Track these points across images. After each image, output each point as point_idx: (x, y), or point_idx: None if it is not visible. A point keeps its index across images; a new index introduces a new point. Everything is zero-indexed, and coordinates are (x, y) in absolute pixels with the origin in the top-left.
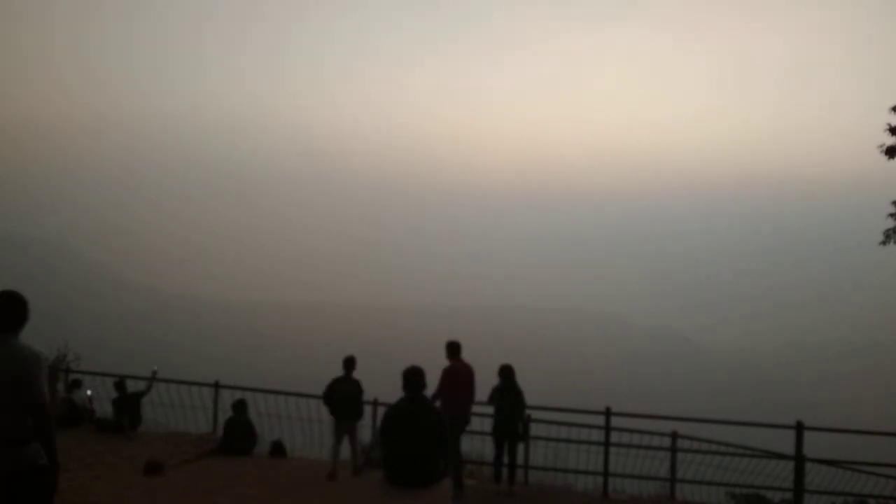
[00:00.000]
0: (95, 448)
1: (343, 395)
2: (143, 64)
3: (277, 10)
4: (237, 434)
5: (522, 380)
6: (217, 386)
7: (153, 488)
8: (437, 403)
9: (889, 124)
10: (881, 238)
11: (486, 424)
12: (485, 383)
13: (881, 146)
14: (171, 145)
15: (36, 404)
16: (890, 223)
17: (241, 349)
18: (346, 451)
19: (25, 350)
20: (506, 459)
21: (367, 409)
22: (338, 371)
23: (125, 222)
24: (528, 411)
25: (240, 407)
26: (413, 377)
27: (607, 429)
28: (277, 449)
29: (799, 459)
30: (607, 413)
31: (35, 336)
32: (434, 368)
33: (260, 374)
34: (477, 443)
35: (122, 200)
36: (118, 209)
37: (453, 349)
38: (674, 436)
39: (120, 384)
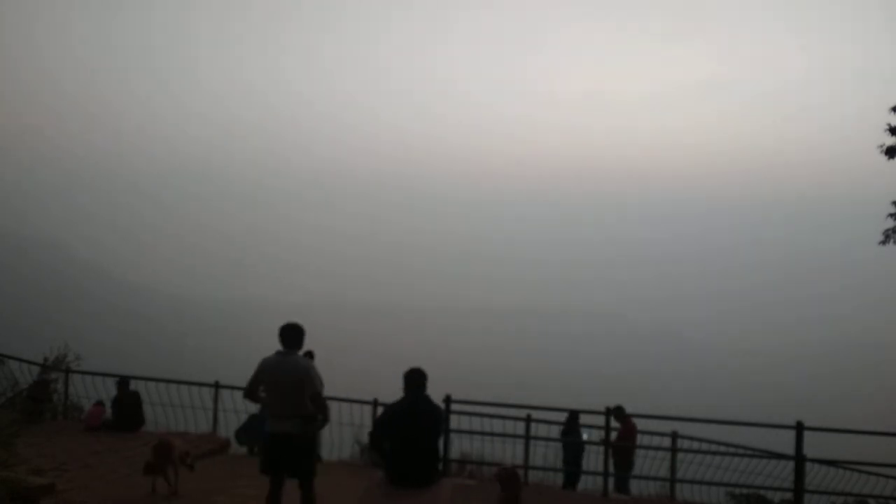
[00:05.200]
0: (95, 448)
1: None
2: (144, 63)
3: (279, 7)
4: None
5: (522, 380)
6: (217, 386)
7: (153, 488)
8: None
9: (889, 124)
10: (881, 238)
11: (486, 425)
12: (484, 387)
13: (881, 146)
14: (170, 145)
15: (316, 392)
16: (890, 223)
17: (241, 349)
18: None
19: (303, 360)
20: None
21: (367, 409)
22: (334, 372)
23: (124, 222)
24: (528, 411)
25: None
26: (415, 378)
27: (607, 429)
28: None
29: (799, 459)
30: (607, 413)
31: (35, 336)
32: (432, 368)
33: None
34: (477, 443)
35: (121, 200)
36: (117, 209)
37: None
38: (674, 436)
39: (123, 383)
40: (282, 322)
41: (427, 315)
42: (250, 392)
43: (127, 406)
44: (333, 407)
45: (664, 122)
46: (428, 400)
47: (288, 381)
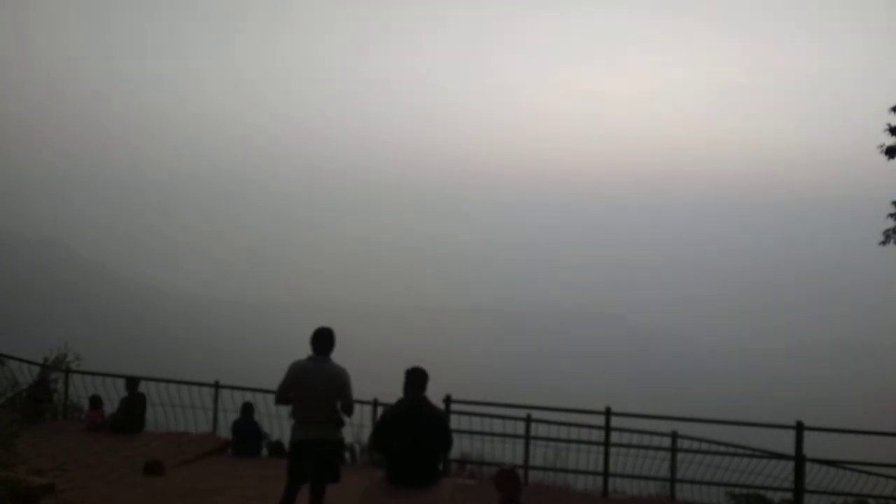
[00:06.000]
0: (95, 448)
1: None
2: (145, 64)
3: (275, 6)
4: (242, 437)
5: (523, 381)
6: (217, 386)
7: (153, 488)
8: None
9: (889, 124)
10: (881, 238)
11: (486, 424)
12: (484, 387)
13: (881, 146)
14: (171, 144)
15: (348, 402)
16: (890, 223)
17: (241, 349)
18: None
19: (339, 367)
20: None
21: (367, 410)
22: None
23: (124, 222)
24: (529, 411)
25: (246, 410)
26: (415, 378)
27: (607, 429)
28: (277, 449)
29: (799, 459)
30: (607, 413)
31: (36, 337)
32: (432, 368)
33: (261, 374)
34: (477, 443)
35: (121, 200)
36: (117, 209)
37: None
38: (674, 436)
39: (131, 383)
40: (281, 322)
41: (426, 315)
42: (282, 397)
43: (132, 408)
44: None
45: (664, 124)
46: (429, 402)
47: (323, 389)
